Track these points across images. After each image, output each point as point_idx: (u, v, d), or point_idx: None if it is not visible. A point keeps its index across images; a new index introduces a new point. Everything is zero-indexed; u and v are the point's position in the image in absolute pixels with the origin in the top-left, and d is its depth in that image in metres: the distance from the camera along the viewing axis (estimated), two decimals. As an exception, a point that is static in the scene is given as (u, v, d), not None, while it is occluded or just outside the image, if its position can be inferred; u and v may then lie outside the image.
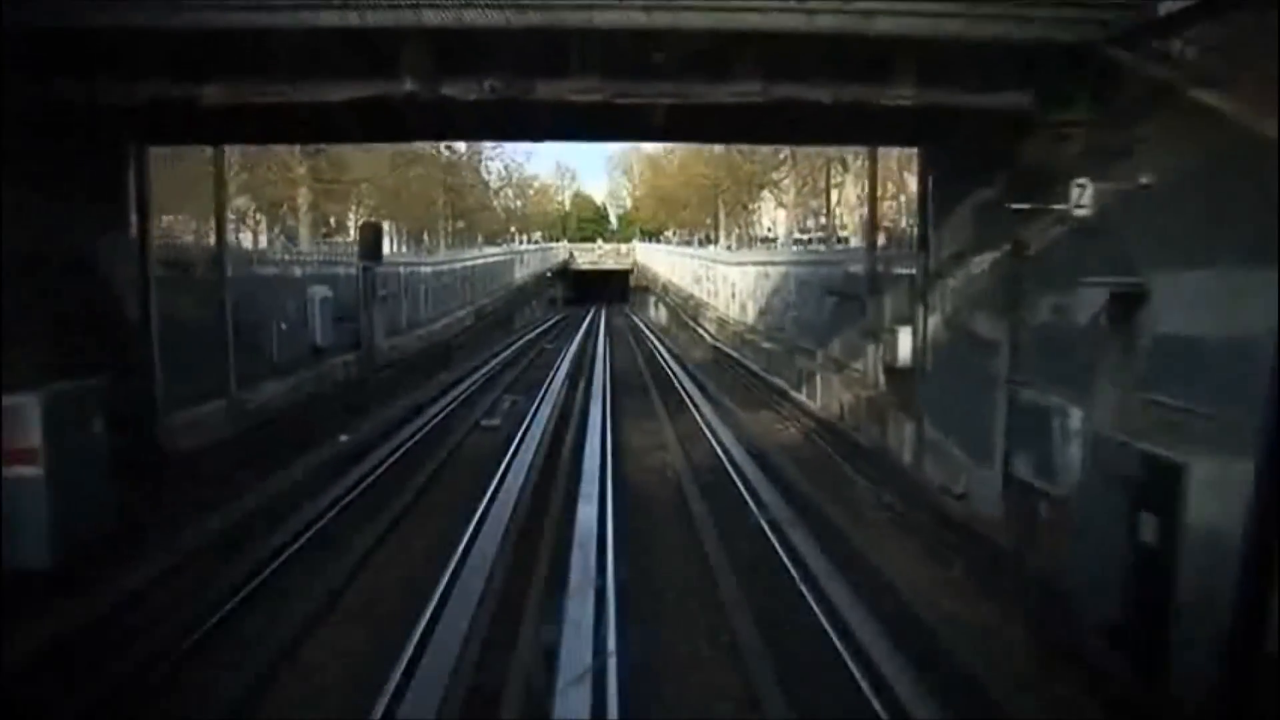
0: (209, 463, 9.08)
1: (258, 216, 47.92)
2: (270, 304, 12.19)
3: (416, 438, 12.98)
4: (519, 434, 13.31)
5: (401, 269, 19.70)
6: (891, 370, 9.93)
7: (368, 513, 9.08)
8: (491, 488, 10.03)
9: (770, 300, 17.63)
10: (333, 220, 56.64)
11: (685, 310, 32.83)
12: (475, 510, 8.97)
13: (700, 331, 26.83)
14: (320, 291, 13.55)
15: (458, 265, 26.97)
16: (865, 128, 7.84)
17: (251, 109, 6.81)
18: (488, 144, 54.00)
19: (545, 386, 18.45)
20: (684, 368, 20.85)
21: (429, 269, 22.55)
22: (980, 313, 7.35)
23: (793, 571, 7.45)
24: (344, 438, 12.68)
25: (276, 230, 37.36)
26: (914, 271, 9.69)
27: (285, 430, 11.53)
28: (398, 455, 11.93)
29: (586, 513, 9.20)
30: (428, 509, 9.49)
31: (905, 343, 9.45)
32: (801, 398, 13.63)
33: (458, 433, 13.58)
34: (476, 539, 8.11)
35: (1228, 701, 2.66)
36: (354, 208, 56.99)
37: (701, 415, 14.74)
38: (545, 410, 15.58)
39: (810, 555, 7.73)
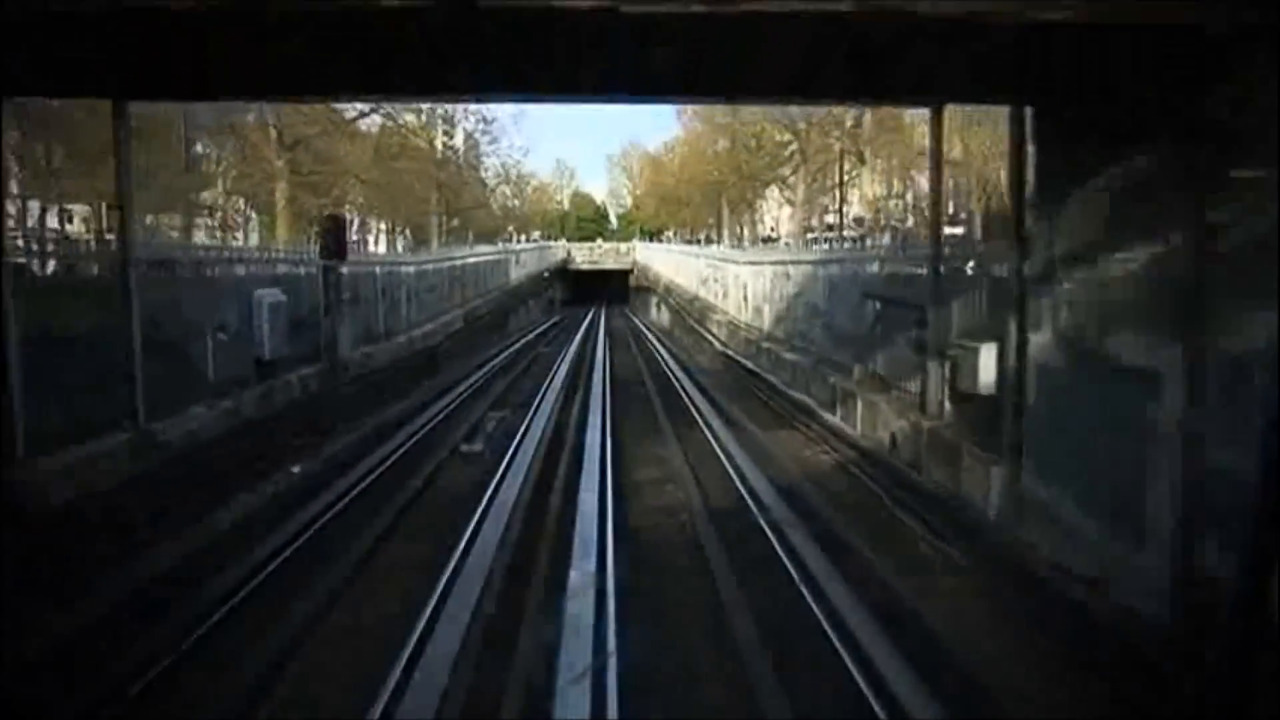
0: (95, 517, 7.04)
1: (249, 214, 46.12)
2: (202, 311, 10.16)
3: (382, 468, 10.94)
4: (504, 463, 11.28)
5: (378, 269, 17.68)
6: (965, 397, 7.91)
7: (300, 584, 7.02)
8: (461, 545, 7.99)
9: (793, 304, 15.61)
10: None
11: (690, 313, 30.79)
12: (438, 584, 6.91)
13: (707, 336, 24.80)
14: (269, 295, 11.52)
15: (445, 265, 24.92)
16: (951, 76, 5.79)
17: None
18: (484, 140, 52.23)
19: (538, 400, 16.42)
20: (691, 378, 18.80)
21: (411, 269, 20.51)
22: (1126, 331, 5.31)
23: (860, 684, 5.40)
24: (296, 469, 10.68)
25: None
26: (995, 272, 7.69)
27: (217, 465, 9.48)
28: (354, 494, 9.89)
29: (580, 582, 7.17)
30: (377, 579, 7.42)
31: (987, 363, 7.45)
32: (835, 420, 11.57)
33: (432, 461, 11.55)
34: (432, 634, 6.04)
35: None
36: (348, 207, 55.07)
37: (715, 437, 12.71)
38: (536, 430, 13.55)
39: (881, 655, 5.66)
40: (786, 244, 54.66)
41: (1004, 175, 9.62)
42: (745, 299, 20.45)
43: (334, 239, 12.87)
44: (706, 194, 62.54)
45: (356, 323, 16.17)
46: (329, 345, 12.83)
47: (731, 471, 10.83)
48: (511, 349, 25.92)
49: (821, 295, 13.44)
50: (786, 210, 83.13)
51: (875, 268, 11.84)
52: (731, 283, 22.61)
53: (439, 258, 25.04)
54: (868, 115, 29.46)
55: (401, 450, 11.93)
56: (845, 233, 38.20)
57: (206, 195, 28.39)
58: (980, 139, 50.28)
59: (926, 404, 8.82)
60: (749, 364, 17.59)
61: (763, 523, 8.68)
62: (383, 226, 58.97)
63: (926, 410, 8.81)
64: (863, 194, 34.57)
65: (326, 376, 13.10)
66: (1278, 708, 2.53)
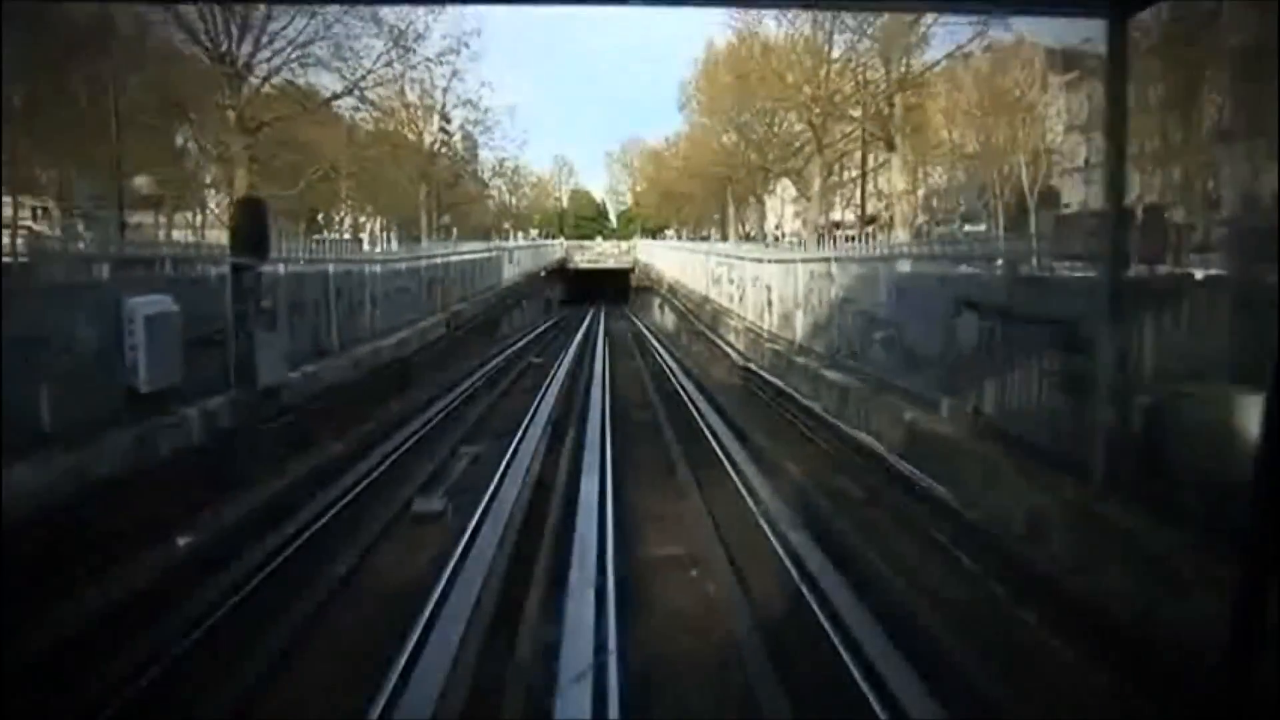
0: None
1: (207, 207, 42.95)
2: (32, 328, 7.14)
3: (291, 549, 7.88)
4: (468, 532, 8.27)
5: (330, 268, 14.65)
6: (1179, 471, 4.91)
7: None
8: (392, 681, 5.01)
9: (837, 311, 12.59)
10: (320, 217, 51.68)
11: (699, 316, 27.74)
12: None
13: (721, 344, 21.75)
14: (150, 305, 8.48)
15: (424, 263, 21.86)
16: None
17: None
18: (477, 130, 49.25)
19: (523, 427, 13.40)
20: (709, 399, 15.77)
21: (377, 268, 17.47)
22: None
23: None
24: (183, 541, 7.70)
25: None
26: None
27: (49, 551, 6.50)
28: (255, 586, 6.91)
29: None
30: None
31: (1244, 423, 4.47)
32: (917, 474, 8.46)
33: (372, 528, 8.54)
34: None
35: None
36: (344, 206, 52.14)
37: (749, 489, 9.69)
38: (517, 475, 10.55)
39: None
40: (791, 242, 51.68)
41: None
42: (769, 303, 17.43)
43: (250, 231, 9.78)
44: (711, 189, 59.67)
45: (301, 334, 13.16)
46: (242, 368, 9.80)
47: (780, 550, 7.80)
48: (500, 358, 22.90)
49: (884, 301, 10.42)
50: (790, 209, 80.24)
51: (975, 268, 8.84)
52: (750, 284, 19.58)
53: (415, 255, 21.98)
54: (898, 100, 26.43)
55: (329, 514, 8.87)
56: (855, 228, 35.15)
57: (142, 181, 25.27)
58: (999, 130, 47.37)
59: (1091, 474, 5.80)
60: (779, 382, 14.56)
61: (845, 655, 5.65)
62: (377, 226, 56.21)
63: (1091, 482, 5.79)
64: (890, 185, 31.34)
65: (244, 409, 10.06)
66: (1278, 708, 2.37)
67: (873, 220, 59.30)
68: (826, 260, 13.25)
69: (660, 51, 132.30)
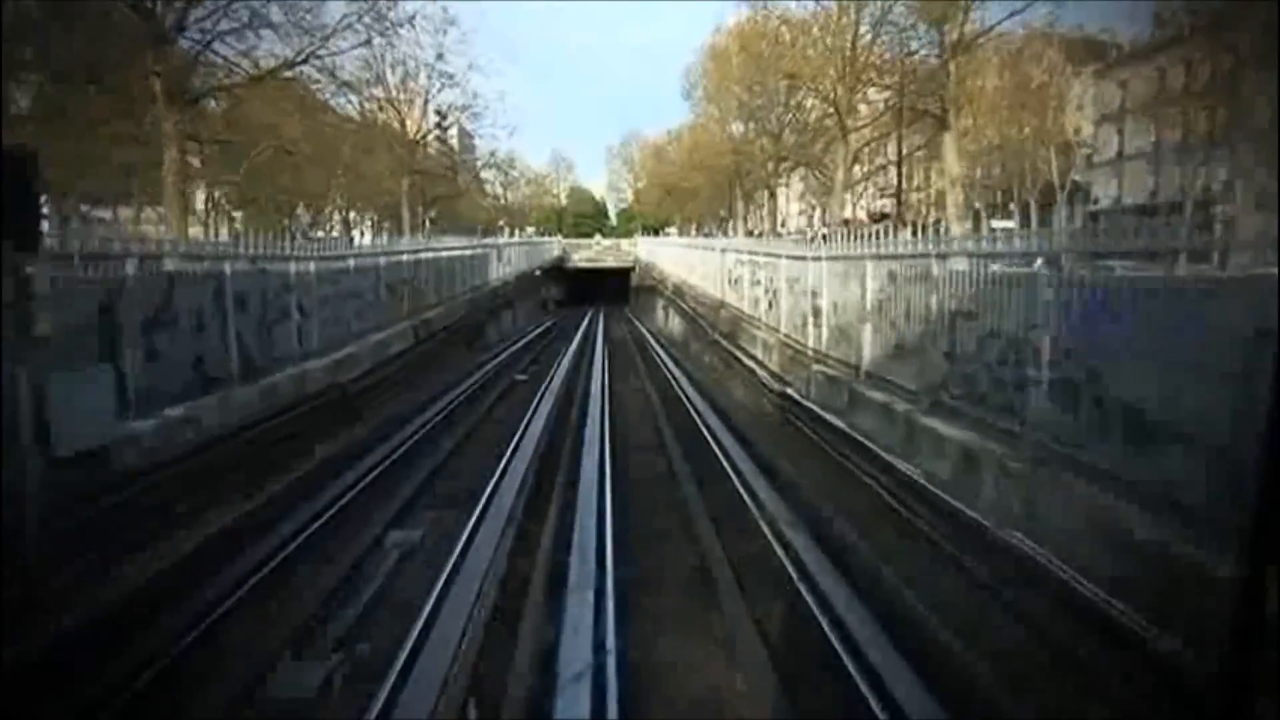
0: None
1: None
2: None
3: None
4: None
5: (228, 266, 10.67)
6: None
7: None
8: None
9: (943, 331, 8.60)
10: (301, 211, 47.60)
11: (713, 323, 23.73)
12: None
13: (743, 359, 17.78)
14: None
15: (383, 262, 17.89)
16: None
17: None
18: (465, 118, 45.54)
19: (487, 493, 9.44)
20: (744, 445, 11.83)
21: (310, 266, 13.48)
22: None
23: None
24: None
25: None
26: None
27: None
28: None
29: None
30: None
31: None
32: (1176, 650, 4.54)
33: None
34: None
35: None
36: (337, 202, 48.11)
37: (848, 641, 5.75)
38: (464, 591, 6.61)
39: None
40: (794, 241, 47.60)
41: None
42: (815, 313, 13.46)
43: (16, 200, 5.85)
44: (718, 183, 55.78)
45: (172, 360, 9.22)
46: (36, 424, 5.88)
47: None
48: (476, 376, 18.93)
49: (1048, 321, 6.45)
50: (794, 206, 76.14)
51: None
52: (786, 287, 15.62)
53: (370, 252, 17.96)
54: (953, 67, 22.33)
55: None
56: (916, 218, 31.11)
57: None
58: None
59: None
60: (839, 423, 10.58)
61: None
62: (367, 225, 52.40)
63: None
64: (944, 170, 27.16)
65: (20, 497, 6.07)
66: (1278, 707, 2.23)
67: (884, 217, 55.26)
68: (922, 258, 9.24)
69: (660, 50, 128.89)
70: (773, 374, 15.25)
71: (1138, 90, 48.30)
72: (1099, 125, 51.48)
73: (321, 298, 13.90)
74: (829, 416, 11.26)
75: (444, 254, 24.77)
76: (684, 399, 16.20)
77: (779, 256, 16.30)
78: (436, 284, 23.11)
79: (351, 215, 50.84)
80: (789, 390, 13.76)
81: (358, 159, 31.41)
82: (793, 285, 15.20)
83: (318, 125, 27.40)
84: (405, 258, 19.94)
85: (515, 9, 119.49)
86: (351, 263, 15.80)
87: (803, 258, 14.36)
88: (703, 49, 48.35)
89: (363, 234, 49.20)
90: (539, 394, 16.67)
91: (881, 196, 58.17)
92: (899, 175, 28.30)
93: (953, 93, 22.68)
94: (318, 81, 26.03)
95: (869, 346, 11.06)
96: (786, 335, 15.63)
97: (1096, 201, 51.42)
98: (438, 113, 47.29)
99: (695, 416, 14.34)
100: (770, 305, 17.21)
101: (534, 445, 11.98)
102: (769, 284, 17.33)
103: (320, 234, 43.77)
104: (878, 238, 11.53)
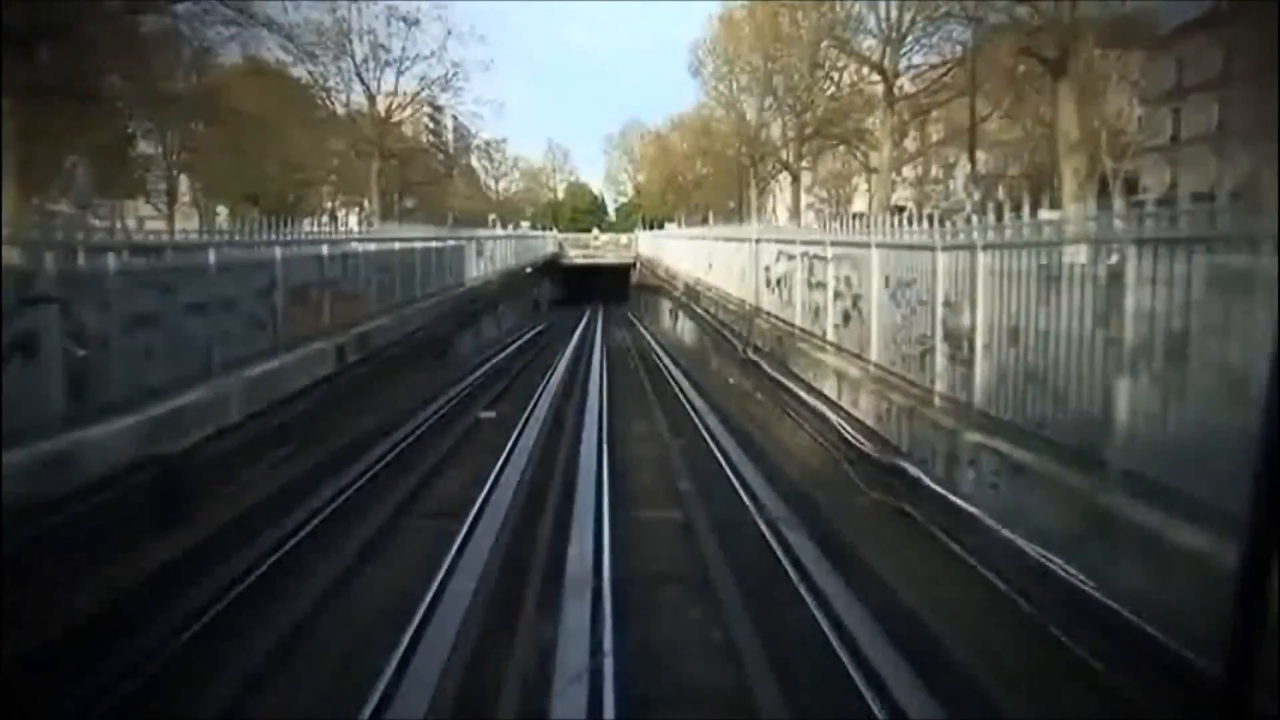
0: None
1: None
2: None
3: None
4: None
5: None
6: None
7: None
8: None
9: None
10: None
11: (744, 337, 18.15)
12: None
13: (805, 396, 12.22)
14: None
15: (279, 256, 12.28)
16: None
17: None
18: (437, 89, 40.29)
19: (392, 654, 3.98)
20: (824, 547, 6.32)
21: (109, 263, 7.94)
22: None
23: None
24: None
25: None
26: None
27: None
28: None
29: None
30: None
31: None
32: None
33: None
34: None
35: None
36: (328, 193, 42.66)
37: None
38: None
39: None
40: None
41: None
42: (951, 339, 7.99)
43: None
44: (729, 169, 50.33)
45: None
46: None
47: None
48: (420, 419, 13.42)
49: None
50: (803, 198, 70.64)
51: None
52: (882, 293, 10.10)
53: (247, 243, 12.17)
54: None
55: None
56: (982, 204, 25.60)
57: None
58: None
59: None
60: (1004, 531, 5.09)
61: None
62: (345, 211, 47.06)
63: None
64: (1060, 134, 21.34)
65: None
66: (1278, 705, 2.29)
67: (900, 210, 49.72)
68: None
69: (660, 48, 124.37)
70: (866, 429, 9.72)
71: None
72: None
73: (133, 317, 8.35)
74: (983, 520, 5.76)
75: (395, 246, 19.22)
76: (714, 448, 10.69)
77: (866, 246, 10.70)
78: (383, 286, 17.59)
79: (337, 208, 45.44)
80: (906, 466, 8.26)
81: (305, 131, 25.78)
82: (898, 291, 9.65)
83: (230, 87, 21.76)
84: (325, 251, 14.37)
85: (515, 9, 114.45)
86: (210, 257, 10.20)
87: (926, 248, 8.77)
88: (711, 19, 42.96)
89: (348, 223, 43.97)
90: (510, 444, 11.12)
91: (903, 186, 52.61)
92: (971, 143, 22.58)
93: (1071, 28, 16.93)
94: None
95: (1119, 412, 5.52)
96: (882, 366, 10.13)
97: None
98: (431, 108, 41.80)
99: (747, 502, 8.81)
100: (846, 319, 11.69)
101: (492, 548, 6.46)
102: (844, 286, 11.79)
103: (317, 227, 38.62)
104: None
